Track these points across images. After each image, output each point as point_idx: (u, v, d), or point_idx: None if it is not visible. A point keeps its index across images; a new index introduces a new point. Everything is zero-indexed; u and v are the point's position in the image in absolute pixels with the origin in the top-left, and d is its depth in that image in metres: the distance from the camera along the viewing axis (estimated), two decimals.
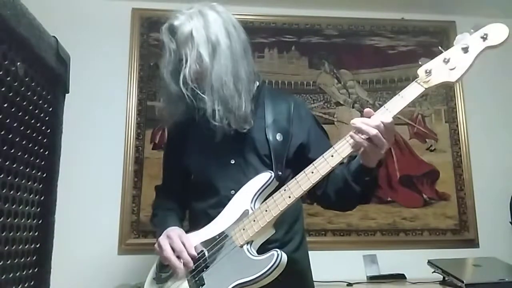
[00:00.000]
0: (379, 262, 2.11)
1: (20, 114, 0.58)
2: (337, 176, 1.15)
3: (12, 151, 0.56)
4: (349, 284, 1.95)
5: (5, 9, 0.52)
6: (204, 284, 1.07)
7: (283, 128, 1.24)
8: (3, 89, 0.53)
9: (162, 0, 2.27)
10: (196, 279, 1.09)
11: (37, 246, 0.65)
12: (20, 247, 0.59)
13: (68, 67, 0.76)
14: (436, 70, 0.98)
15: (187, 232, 1.21)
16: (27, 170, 0.61)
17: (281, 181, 1.15)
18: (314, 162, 1.04)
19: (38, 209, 0.65)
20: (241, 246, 1.05)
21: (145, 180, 2.16)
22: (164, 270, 1.17)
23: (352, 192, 1.12)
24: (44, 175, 0.67)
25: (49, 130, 0.69)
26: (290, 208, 1.05)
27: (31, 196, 0.63)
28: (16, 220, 0.57)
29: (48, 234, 0.69)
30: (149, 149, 2.21)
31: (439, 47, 1.00)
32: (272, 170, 1.16)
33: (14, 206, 0.57)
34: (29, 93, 0.61)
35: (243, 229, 1.07)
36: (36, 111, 0.64)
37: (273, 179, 1.11)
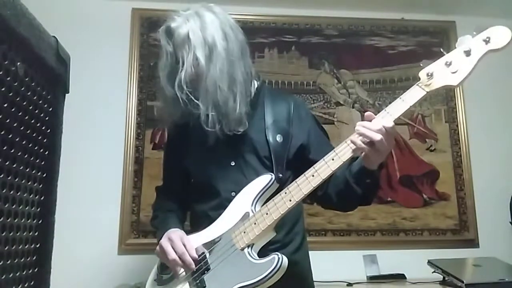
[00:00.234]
0: (379, 262, 2.11)
1: (20, 114, 0.58)
2: (338, 178, 1.14)
3: (12, 151, 0.56)
4: (349, 284, 1.95)
5: (5, 9, 0.52)
6: (205, 286, 1.07)
7: (283, 129, 1.24)
8: (3, 89, 0.53)
9: (162, 0, 2.27)
10: (198, 281, 1.08)
11: (37, 246, 0.65)
12: (20, 247, 0.59)
13: (68, 67, 0.76)
14: (438, 73, 0.97)
15: (188, 233, 1.20)
16: (27, 170, 0.61)
17: (282, 183, 1.15)
18: (314, 165, 1.04)
19: (38, 209, 0.65)
20: (242, 249, 1.05)
21: (145, 180, 2.16)
22: (165, 271, 1.17)
23: (354, 194, 1.11)
24: (44, 175, 0.67)
25: (49, 130, 0.69)
26: (291, 209, 1.05)
27: (31, 196, 0.63)
28: (16, 220, 0.57)
29: (48, 234, 0.69)
30: (149, 149, 2.21)
31: (441, 49, 0.99)
32: (273, 172, 1.16)
33: (14, 206, 0.57)
34: (29, 93, 0.61)
35: (244, 232, 1.07)
36: (36, 111, 0.64)
37: (274, 181, 1.11)
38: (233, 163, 1.22)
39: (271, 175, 1.13)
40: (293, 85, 2.36)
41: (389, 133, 0.98)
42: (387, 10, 2.47)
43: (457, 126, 2.40)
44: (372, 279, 2.05)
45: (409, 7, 2.46)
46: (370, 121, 1.00)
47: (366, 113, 1.02)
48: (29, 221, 0.62)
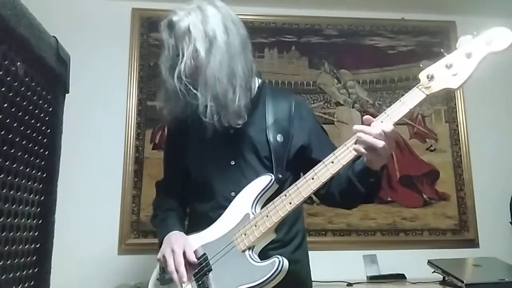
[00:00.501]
0: (379, 262, 2.11)
1: (20, 114, 0.58)
2: (341, 176, 1.14)
3: (12, 151, 0.56)
4: (349, 284, 1.95)
5: (5, 9, 0.52)
6: (207, 287, 1.07)
7: (284, 128, 1.24)
8: (3, 89, 0.53)
9: (162, 0, 2.27)
10: (200, 282, 1.09)
11: (37, 246, 0.65)
12: (20, 247, 0.59)
13: (68, 67, 0.76)
14: (438, 76, 0.96)
15: (188, 233, 1.21)
16: (27, 170, 0.61)
17: (281, 184, 1.15)
18: (314, 168, 1.04)
19: (38, 209, 0.65)
20: (243, 251, 1.06)
21: (145, 180, 2.16)
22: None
23: (357, 193, 1.11)
24: (44, 175, 0.67)
25: (49, 130, 0.69)
26: (291, 212, 1.06)
27: (31, 196, 0.63)
28: (16, 220, 0.57)
29: (48, 234, 0.69)
30: (149, 149, 2.21)
31: (441, 50, 0.98)
32: (273, 173, 1.16)
33: (14, 206, 0.57)
34: (29, 93, 0.61)
35: (245, 234, 1.07)
36: (36, 111, 0.64)
37: (274, 182, 1.12)
38: (233, 163, 1.22)
39: (271, 176, 1.13)
40: (293, 85, 2.36)
41: (390, 137, 0.97)
42: (387, 10, 2.47)
43: (457, 126, 2.40)
44: (372, 279, 2.05)
45: (409, 7, 2.46)
46: (369, 124, 0.99)
47: (365, 117, 1.02)
48: (29, 221, 0.62)
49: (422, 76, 0.98)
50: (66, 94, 0.77)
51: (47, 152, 0.68)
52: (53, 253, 0.71)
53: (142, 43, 2.32)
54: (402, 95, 1.00)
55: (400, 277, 2.04)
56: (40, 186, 0.66)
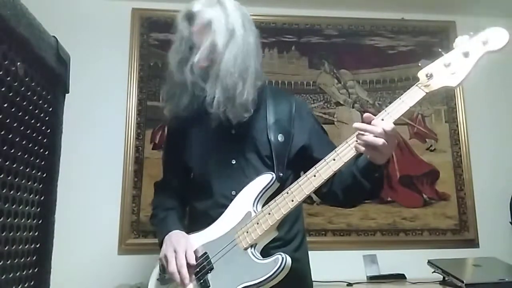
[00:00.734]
0: (379, 262, 2.11)
1: (20, 114, 0.58)
2: (344, 174, 1.14)
3: (12, 151, 0.56)
4: (349, 284, 1.95)
5: (5, 9, 0.52)
6: (209, 286, 1.07)
7: (285, 128, 1.24)
8: (3, 89, 0.53)
9: (162, 0, 2.27)
10: (202, 281, 1.09)
11: (37, 246, 0.65)
12: (20, 247, 0.59)
13: (68, 67, 0.76)
14: (437, 74, 0.98)
15: (188, 232, 1.21)
16: (27, 170, 0.61)
17: (282, 182, 1.15)
18: (316, 166, 1.05)
19: (38, 209, 0.65)
20: (245, 249, 1.06)
21: (145, 180, 2.16)
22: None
23: (362, 189, 1.11)
24: (44, 175, 0.67)
25: (49, 130, 0.69)
26: (293, 209, 1.06)
27: (31, 196, 0.63)
28: (16, 220, 0.57)
29: (48, 234, 0.69)
30: (149, 149, 2.21)
31: (439, 49, 1.00)
32: (274, 171, 1.16)
33: (14, 206, 0.57)
34: (29, 93, 0.61)
35: (247, 232, 1.07)
36: (36, 111, 0.64)
37: (275, 180, 1.12)
38: (233, 162, 1.22)
39: (272, 174, 1.13)
40: (293, 85, 2.36)
41: (390, 135, 0.98)
42: (387, 10, 2.47)
43: (457, 126, 2.41)
44: (372, 279, 2.05)
45: (409, 7, 2.46)
46: (370, 122, 1.00)
47: (365, 115, 1.02)
48: (29, 221, 0.62)
49: (421, 74, 1.00)
50: (66, 94, 0.77)
51: (47, 152, 0.68)
52: (53, 253, 0.71)
53: (142, 43, 2.32)
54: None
55: (400, 277, 2.04)
56: (40, 186, 0.66)
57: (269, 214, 1.06)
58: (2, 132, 0.53)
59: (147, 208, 2.08)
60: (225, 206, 1.16)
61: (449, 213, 2.30)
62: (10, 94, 0.55)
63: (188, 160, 1.30)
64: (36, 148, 0.64)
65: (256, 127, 1.23)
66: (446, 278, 1.89)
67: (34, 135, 0.64)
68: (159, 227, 1.28)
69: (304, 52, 2.42)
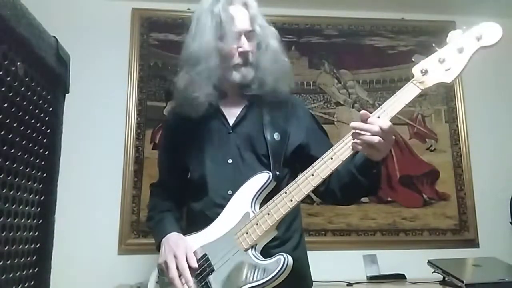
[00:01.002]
0: (379, 262, 2.11)
1: (20, 114, 0.58)
2: (341, 172, 1.14)
3: (12, 151, 0.56)
4: (349, 284, 1.95)
5: (5, 9, 0.52)
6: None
7: (281, 127, 1.24)
8: (3, 89, 0.53)
9: (162, 0, 2.27)
10: (203, 283, 1.09)
11: (37, 246, 0.65)
12: (20, 247, 0.59)
13: (68, 67, 0.76)
14: (432, 71, 0.97)
15: (185, 233, 1.20)
16: (27, 170, 0.61)
17: (279, 181, 1.15)
18: (313, 165, 1.04)
19: (38, 209, 0.65)
20: (246, 250, 1.06)
21: (145, 180, 2.15)
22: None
23: (360, 186, 1.11)
24: (44, 175, 0.67)
25: (49, 130, 0.69)
26: (292, 209, 1.06)
27: (31, 196, 0.63)
28: (16, 220, 0.57)
29: (48, 234, 0.69)
30: (149, 149, 2.21)
31: (433, 45, 0.99)
32: (270, 170, 1.16)
33: (14, 206, 0.57)
34: (29, 93, 0.61)
35: (246, 233, 1.07)
36: (36, 111, 0.64)
37: (272, 179, 1.12)
38: (230, 161, 1.22)
39: (269, 173, 1.13)
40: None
41: (387, 133, 0.98)
42: (387, 10, 2.47)
43: (457, 126, 2.41)
44: (372, 279, 2.05)
45: (409, 7, 2.47)
46: (366, 119, 0.99)
47: (361, 112, 1.02)
48: (29, 221, 0.62)
49: (416, 70, 0.99)
50: (66, 94, 0.77)
51: (47, 152, 0.68)
52: (53, 253, 0.71)
53: (142, 43, 2.32)
54: None
55: (400, 277, 2.04)
56: (40, 186, 0.66)
57: (268, 214, 1.05)
58: (2, 132, 0.53)
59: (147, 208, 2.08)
60: (221, 206, 1.16)
61: (449, 213, 2.30)
62: (10, 94, 0.55)
63: (185, 160, 1.29)
64: (36, 148, 0.64)
65: (252, 126, 1.23)
66: (446, 278, 1.89)
67: (34, 135, 0.63)
68: (156, 230, 1.28)
69: (304, 52, 2.42)
